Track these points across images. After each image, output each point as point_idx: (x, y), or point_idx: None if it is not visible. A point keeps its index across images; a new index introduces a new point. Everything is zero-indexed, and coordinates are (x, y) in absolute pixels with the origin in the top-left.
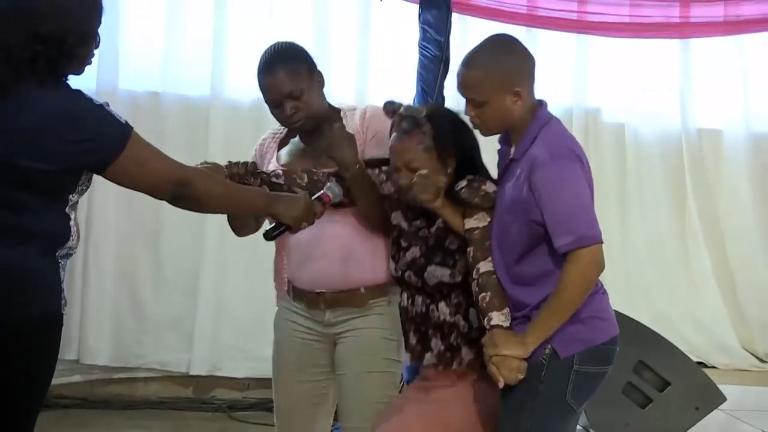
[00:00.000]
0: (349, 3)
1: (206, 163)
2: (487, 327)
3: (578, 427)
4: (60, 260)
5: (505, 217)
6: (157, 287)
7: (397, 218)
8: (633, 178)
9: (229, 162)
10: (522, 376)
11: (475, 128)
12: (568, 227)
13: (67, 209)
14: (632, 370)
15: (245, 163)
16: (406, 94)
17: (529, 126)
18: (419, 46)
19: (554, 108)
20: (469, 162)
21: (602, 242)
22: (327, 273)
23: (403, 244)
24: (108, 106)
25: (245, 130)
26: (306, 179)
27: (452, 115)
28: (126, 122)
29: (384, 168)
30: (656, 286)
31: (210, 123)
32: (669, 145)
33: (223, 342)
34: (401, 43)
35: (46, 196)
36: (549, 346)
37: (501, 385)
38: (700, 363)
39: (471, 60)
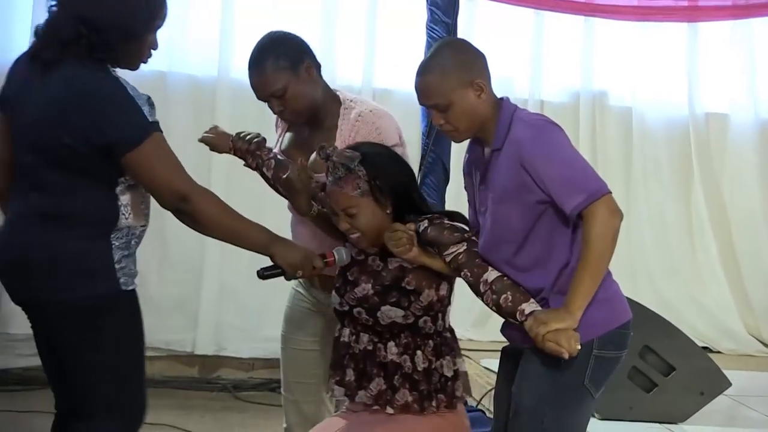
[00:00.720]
0: None
1: (215, 127)
2: (522, 319)
3: None
4: (115, 241)
5: (500, 208)
6: (162, 268)
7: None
8: (639, 162)
9: (237, 134)
10: (579, 346)
11: (447, 135)
12: (575, 187)
13: (119, 189)
14: (637, 355)
15: (250, 140)
16: (414, 77)
17: (500, 116)
18: (427, 28)
19: (561, 91)
20: (406, 197)
21: (611, 192)
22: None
23: (350, 278)
24: (146, 101)
25: (251, 110)
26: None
27: (386, 153)
28: (153, 122)
29: None
30: (661, 272)
31: (216, 103)
32: (676, 129)
33: (228, 322)
34: (409, 25)
35: (88, 178)
36: None
37: (566, 356)
38: (705, 348)
39: (424, 67)
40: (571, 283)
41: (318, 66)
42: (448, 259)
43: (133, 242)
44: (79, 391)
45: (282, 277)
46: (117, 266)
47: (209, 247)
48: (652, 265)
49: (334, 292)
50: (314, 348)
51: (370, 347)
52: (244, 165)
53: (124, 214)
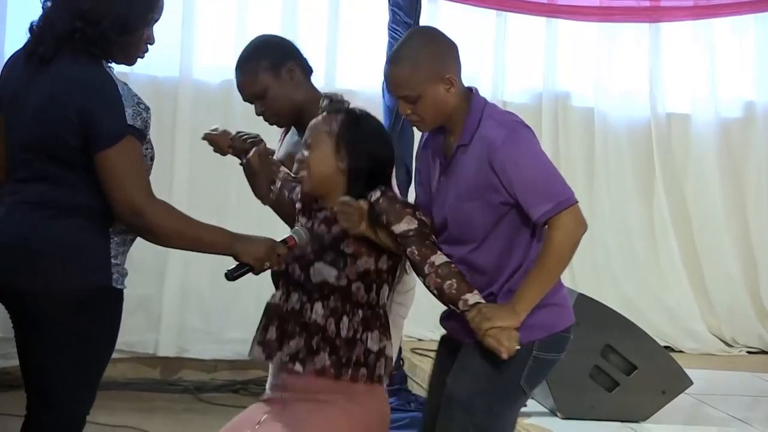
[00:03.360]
0: None
1: (218, 127)
2: (465, 309)
3: (545, 409)
4: (113, 236)
5: (463, 205)
6: None
7: (300, 222)
8: (601, 162)
9: (236, 133)
10: (518, 346)
11: (413, 125)
12: (544, 195)
13: None
14: (599, 354)
15: (246, 139)
16: (376, 78)
17: (470, 110)
18: (389, 29)
19: (524, 92)
20: (374, 175)
21: (578, 201)
22: None
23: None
24: (134, 106)
25: (214, 111)
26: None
27: (378, 128)
28: (130, 125)
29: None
30: (624, 272)
31: (178, 104)
32: (638, 129)
33: (191, 324)
34: (371, 26)
35: (84, 170)
36: None
37: (505, 356)
38: (667, 347)
39: (396, 57)
40: (523, 283)
41: (306, 70)
42: (397, 231)
43: (128, 238)
44: (48, 381)
45: (250, 274)
46: (113, 261)
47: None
48: (615, 264)
49: None
50: None
51: (297, 306)
52: (240, 164)
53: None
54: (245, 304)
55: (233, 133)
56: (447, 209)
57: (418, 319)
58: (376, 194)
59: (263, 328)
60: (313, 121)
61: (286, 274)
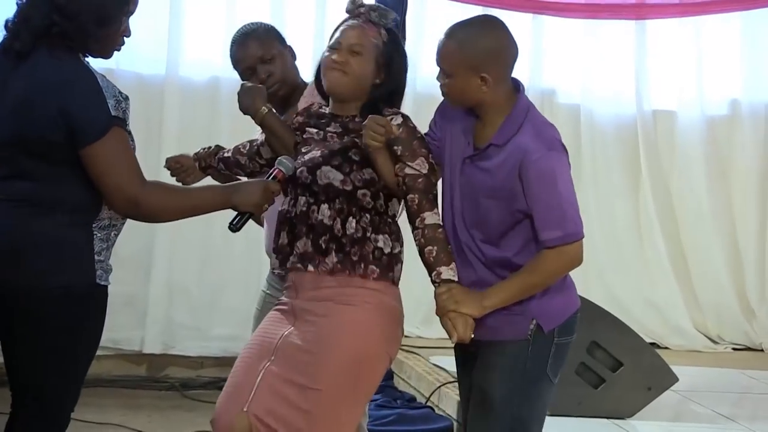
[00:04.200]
0: None
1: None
2: (437, 281)
3: None
4: (97, 232)
5: (485, 201)
6: None
7: (308, 134)
8: (588, 159)
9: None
10: (472, 335)
11: (444, 96)
12: (559, 222)
13: None
14: (585, 351)
15: (209, 149)
16: None
17: (511, 112)
18: None
19: None
20: (397, 100)
21: (584, 236)
22: None
23: (304, 149)
24: (114, 95)
25: (200, 108)
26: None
27: (403, 50)
28: (114, 117)
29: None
30: (610, 268)
31: (165, 101)
32: (624, 126)
33: (177, 320)
34: None
35: (67, 166)
36: (534, 322)
37: (454, 340)
38: (653, 344)
39: (451, 32)
40: (501, 284)
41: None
42: (407, 171)
43: (112, 234)
44: (33, 378)
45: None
46: (96, 257)
47: (158, 244)
48: (601, 261)
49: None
50: None
51: (304, 208)
52: (210, 174)
53: (106, 204)
54: (231, 301)
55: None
56: (466, 195)
57: (405, 316)
58: (397, 119)
59: (276, 234)
60: (352, 28)
61: (293, 178)
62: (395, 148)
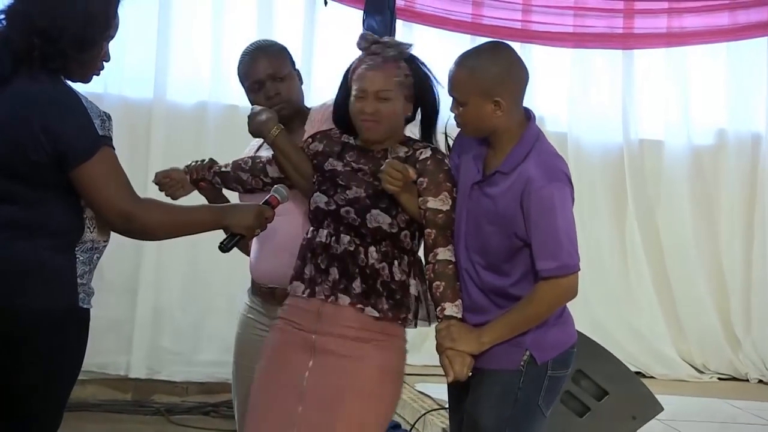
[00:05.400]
0: (294, 7)
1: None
2: (440, 316)
3: None
4: (80, 255)
5: (487, 227)
6: (95, 290)
7: (330, 165)
8: (574, 186)
9: (186, 166)
10: (470, 374)
11: (458, 127)
12: (554, 253)
13: (83, 203)
14: (570, 379)
15: (202, 162)
16: None
17: (520, 140)
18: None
19: None
20: (428, 122)
21: (579, 269)
22: (279, 268)
23: (341, 182)
24: (98, 115)
25: (187, 133)
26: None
27: (429, 73)
28: (102, 136)
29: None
30: (595, 296)
31: (152, 125)
32: (611, 154)
33: (162, 345)
34: (345, 49)
35: (50, 189)
36: (527, 353)
37: (450, 379)
38: (638, 373)
39: (462, 60)
40: (498, 319)
41: None
42: (429, 206)
43: (95, 257)
44: (15, 401)
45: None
46: (79, 281)
47: (144, 269)
48: (587, 289)
49: (318, 193)
50: None
51: (351, 248)
52: (201, 188)
53: (89, 227)
54: (217, 326)
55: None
56: (471, 220)
57: None
58: (426, 153)
59: (313, 266)
60: (372, 72)
61: (336, 214)
62: (421, 179)
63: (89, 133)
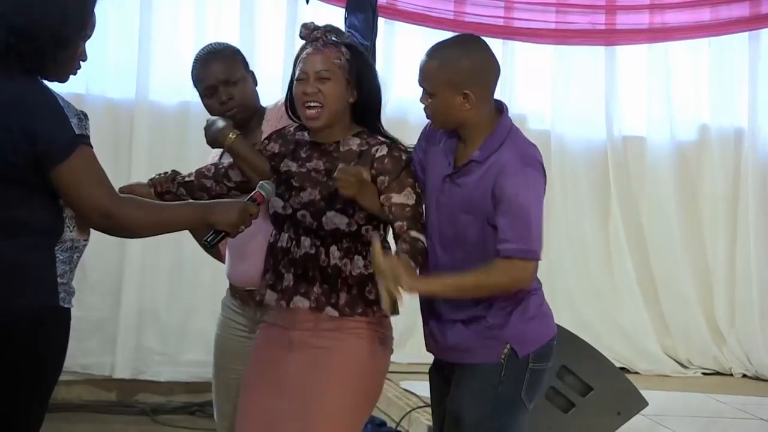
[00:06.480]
0: (276, 6)
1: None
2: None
3: None
4: (59, 254)
5: (462, 216)
6: (79, 290)
7: (286, 165)
8: (558, 184)
9: (150, 179)
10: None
11: (428, 118)
12: (519, 234)
13: (62, 202)
14: (555, 375)
15: (166, 174)
16: None
17: (494, 131)
18: None
19: None
20: (371, 109)
21: (539, 261)
22: (254, 271)
23: (295, 184)
24: (75, 114)
25: (170, 133)
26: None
27: (369, 60)
28: (80, 135)
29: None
30: (579, 293)
31: (134, 126)
32: (594, 152)
33: (147, 346)
34: None
35: (27, 188)
36: (508, 346)
37: (383, 302)
38: (622, 369)
39: (433, 51)
40: (445, 276)
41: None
42: (395, 201)
43: (75, 257)
44: None
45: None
46: (59, 280)
47: (128, 269)
48: (571, 286)
49: (276, 197)
50: None
51: (312, 251)
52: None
53: (68, 226)
54: (202, 326)
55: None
56: (444, 213)
57: None
58: (382, 150)
59: (274, 272)
60: (313, 55)
61: (293, 219)
62: (381, 178)
63: (66, 133)
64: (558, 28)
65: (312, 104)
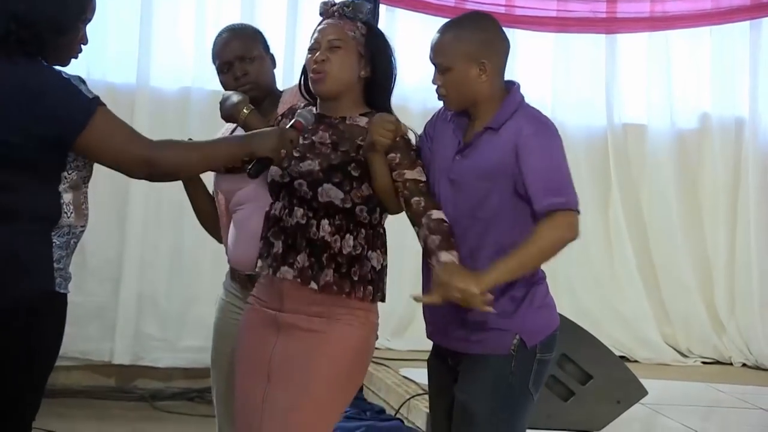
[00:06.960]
0: None
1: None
2: (436, 265)
3: None
4: (56, 239)
5: (478, 185)
6: (79, 276)
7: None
8: None
9: None
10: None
11: (440, 99)
12: (555, 189)
13: (61, 187)
14: (555, 363)
15: None
16: None
17: (506, 101)
18: None
19: None
20: (384, 89)
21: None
22: (255, 254)
23: (297, 154)
24: (83, 83)
25: (171, 118)
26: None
27: (385, 39)
28: (94, 98)
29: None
30: (580, 281)
31: (135, 111)
32: (594, 139)
33: (146, 332)
34: None
35: (28, 173)
36: (517, 337)
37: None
38: (622, 357)
39: (446, 27)
40: (501, 260)
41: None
42: (408, 176)
43: (72, 242)
44: None
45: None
46: (56, 266)
47: (127, 255)
48: (571, 274)
49: (274, 167)
50: None
51: (303, 221)
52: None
53: (66, 212)
54: (201, 312)
55: None
56: (460, 188)
57: None
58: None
59: (264, 240)
60: (328, 26)
61: (290, 187)
62: (392, 155)
63: (81, 98)
64: (559, 16)
65: (320, 69)
